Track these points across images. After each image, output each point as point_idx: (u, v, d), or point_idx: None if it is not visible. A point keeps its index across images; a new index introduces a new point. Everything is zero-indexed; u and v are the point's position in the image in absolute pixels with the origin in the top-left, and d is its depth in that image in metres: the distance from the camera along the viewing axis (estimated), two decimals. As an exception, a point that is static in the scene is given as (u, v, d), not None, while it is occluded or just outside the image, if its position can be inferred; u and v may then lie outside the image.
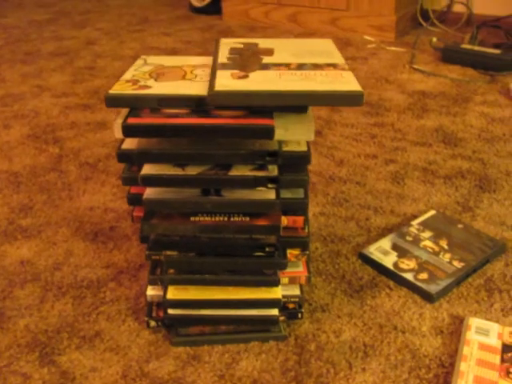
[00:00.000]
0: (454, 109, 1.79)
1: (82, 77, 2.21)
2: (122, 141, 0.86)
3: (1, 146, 1.61)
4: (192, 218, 0.83)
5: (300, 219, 0.87)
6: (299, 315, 0.94)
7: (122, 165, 1.48)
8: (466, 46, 2.19)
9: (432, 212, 1.20)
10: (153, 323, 0.92)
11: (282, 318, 0.92)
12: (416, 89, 1.98)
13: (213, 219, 0.83)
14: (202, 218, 0.83)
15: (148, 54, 2.47)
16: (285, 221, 0.86)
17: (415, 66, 2.17)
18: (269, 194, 0.82)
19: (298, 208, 0.86)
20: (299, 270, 0.92)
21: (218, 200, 0.81)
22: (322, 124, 1.70)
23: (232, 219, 0.83)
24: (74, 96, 2.01)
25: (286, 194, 0.85)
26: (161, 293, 0.90)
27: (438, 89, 1.97)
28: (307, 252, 0.89)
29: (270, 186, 0.81)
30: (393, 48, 2.43)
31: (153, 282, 0.90)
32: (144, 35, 2.76)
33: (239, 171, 0.81)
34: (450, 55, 2.19)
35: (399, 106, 1.83)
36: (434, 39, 2.40)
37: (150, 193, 0.82)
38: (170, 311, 0.89)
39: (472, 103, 1.83)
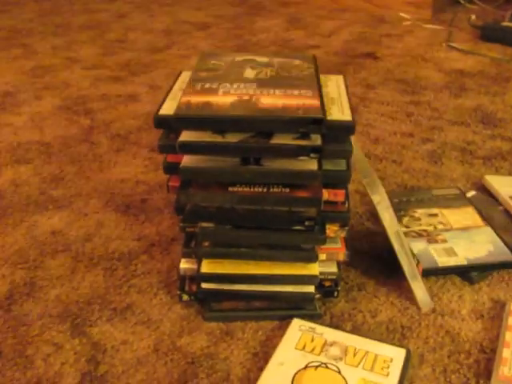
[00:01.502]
0: (493, 88, 1.74)
1: (113, 49, 2.19)
2: (160, 106, 0.83)
3: (32, 117, 1.60)
4: (230, 189, 0.81)
5: (341, 193, 0.84)
6: (335, 293, 0.91)
7: (153, 137, 1.46)
8: (506, 23, 2.12)
9: (472, 192, 1.16)
10: (185, 297, 0.90)
11: (317, 296, 0.90)
12: (453, 67, 1.92)
13: (251, 190, 0.80)
14: (240, 189, 0.81)
15: (179, 27, 2.44)
16: (325, 194, 0.83)
17: (453, 44, 2.11)
18: (311, 164, 0.79)
19: (339, 181, 0.83)
20: (337, 246, 0.89)
21: (257, 170, 0.79)
22: (357, 101, 1.66)
23: (271, 190, 0.80)
24: (104, 68, 1.99)
25: (327, 165, 0.82)
26: (194, 266, 0.88)
27: (477, 68, 1.91)
28: (347, 228, 0.87)
29: (312, 155, 0.78)
30: (429, 25, 2.36)
31: (187, 255, 0.88)
32: (175, 9, 2.73)
33: (281, 140, 0.78)
34: (490, 33, 2.13)
35: (436, 85, 1.78)
36: (473, 17, 2.33)
37: (187, 161, 0.80)
38: (204, 285, 0.87)
39: (512, 83, 1.77)
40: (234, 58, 0.94)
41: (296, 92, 0.82)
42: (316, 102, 0.79)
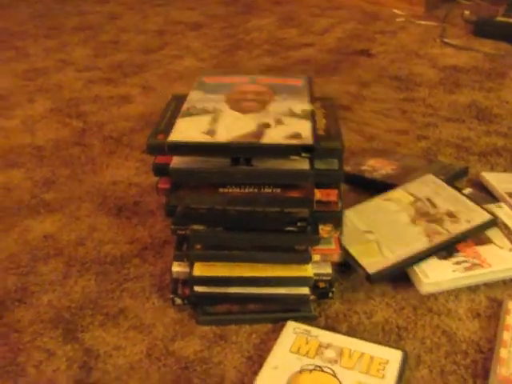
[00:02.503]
0: (487, 84, 1.73)
1: (105, 51, 2.17)
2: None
3: (24, 120, 1.59)
4: (221, 190, 0.80)
5: (334, 192, 0.83)
6: (330, 294, 0.90)
7: (145, 139, 1.44)
8: (500, 18, 2.11)
9: (468, 189, 1.15)
10: (178, 301, 0.89)
11: (312, 298, 0.89)
12: (447, 63, 1.91)
13: (242, 191, 0.79)
14: (231, 190, 0.80)
15: (172, 27, 2.42)
16: (317, 194, 0.82)
17: (446, 40, 2.10)
18: (302, 163, 0.78)
19: (331, 180, 0.82)
20: (331, 247, 0.88)
21: (248, 170, 0.78)
22: (351, 99, 1.65)
23: (263, 191, 0.79)
24: (97, 70, 1.97)
25: (319, 165, 0.81)
26: (187, 269, 0.87)
27: (471, 63, 1.90)
28: (340, 228, 0.86)
29: (303, 154, 0.77)
30: (422, 22, 2.35)
31: (178, 258, 0.87)
32: (168, 9, 2.71)
33: (272, 139, 0.77)
34: (484, 28, 2.12)
35: (430, 81, 1.76)
36: (467, 12, 2.32)
37: (177, 162, 0.79)
38: (197, 288, 0.86)
39: (507, 79, 1.76)
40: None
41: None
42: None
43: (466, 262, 0.94)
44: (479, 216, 0.98)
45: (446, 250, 0.95)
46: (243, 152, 0.78)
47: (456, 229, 0.97)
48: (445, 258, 0.95)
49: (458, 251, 0.96)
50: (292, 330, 0.83)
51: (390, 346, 0.81)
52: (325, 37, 2.25)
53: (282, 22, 2.46)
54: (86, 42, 2.28)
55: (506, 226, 1.01)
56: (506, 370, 0.77)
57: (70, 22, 2.56)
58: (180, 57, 2.08)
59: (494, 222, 0.98)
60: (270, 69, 1.92)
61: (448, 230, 0.97)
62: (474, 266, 0.93)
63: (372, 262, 0.93)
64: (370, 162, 1.25)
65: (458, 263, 0.94)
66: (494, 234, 1.00)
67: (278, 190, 0.79)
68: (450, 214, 0.99)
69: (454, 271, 0.92)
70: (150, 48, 2.19)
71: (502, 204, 1.08)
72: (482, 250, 0.97)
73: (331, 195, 0.83)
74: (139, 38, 2.30)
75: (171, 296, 0.89)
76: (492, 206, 1.06)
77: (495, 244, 0.98)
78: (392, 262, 0.92)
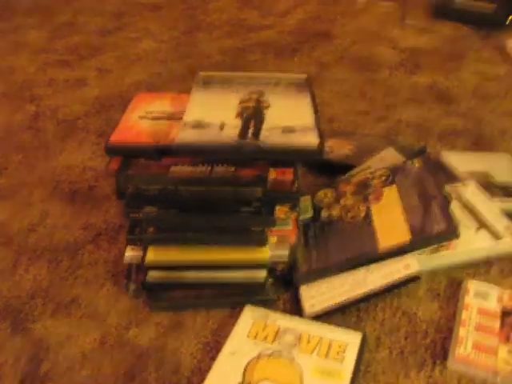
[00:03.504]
0: (447, 65, 1.73)
1: (61, 33, 2.11)
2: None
3: (-26, 104, 1.53)
4: (172, 169, 0.77)
5: (289, 171, 0.81)
6: (288, 277, 0.88)
7: (101, 122, 1.41)
8: (459, 1, 2.11)
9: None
10: (132, 287, 0.87)
11: (270, 281, 0.87)
12: (408, 45, 1.90)
13: (194, 170, 0.77)
14: (183, 168, 0.77)
15: (130, 9, 2.36)
16: (273, 173, 0.80)
17: (407, 22, 2.09)
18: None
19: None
20: (288, 228, 0.86)
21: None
22: (312, 80, 1.63)
23: (215, 169, 0.77)
24: (52, 52, 1.91)
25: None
26: (140, 254, 0.84)
27: (431, 45, 1.89)
28: (297, 209, 0.84)
29: None
30: (383, 3, 2.34)
31: (131, 242, 0.84)
32: (126, -10, 2.65)
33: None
34: (443, 11, 2.11)
35: (391, 62, 1.75)
36: (427, -6, 2.31)
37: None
38: (151, 274, 0.84)
39: (466, 60, 1.76)
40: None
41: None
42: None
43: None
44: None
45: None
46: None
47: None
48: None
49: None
50: (250, 315, 0.82)
51: (350, 329, 0.80)
52: (286, 18, 2.22)
53: (242, 3, 2.42)
54: (41, 23, 2.21)
55: (473, 206, 1.00)
56: (465, 349, 0.77)
57: (23, 2, 2.48)
58: (138, 39, 2.03)
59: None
60: (231, 50, 1.89)
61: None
62: (440, 247, 0.92)
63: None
64: (328, 143, 1.23)
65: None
66: (461, 214, 0.98)
67: (232, 169, 0.77)
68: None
69: (419, 253, 0.91)
70: (107, 30, 2.13)
71: (468, 182, 1.06)
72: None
73: (287, 174, 0.81)
74: (96, 20, 2.24)
75: (125, 282, 0.87)
76: (458, 185, 1.05)
77: (462, 224, 0.96)
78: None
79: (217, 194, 0.78)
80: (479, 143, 1.28)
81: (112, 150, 0.81)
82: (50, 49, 1.95)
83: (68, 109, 1.49)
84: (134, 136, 0.81)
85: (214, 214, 0.80)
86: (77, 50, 1.93)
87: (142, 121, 0.86)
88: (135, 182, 0.77)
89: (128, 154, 0.81)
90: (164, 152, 0.78)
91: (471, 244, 0.93)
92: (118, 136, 0.82)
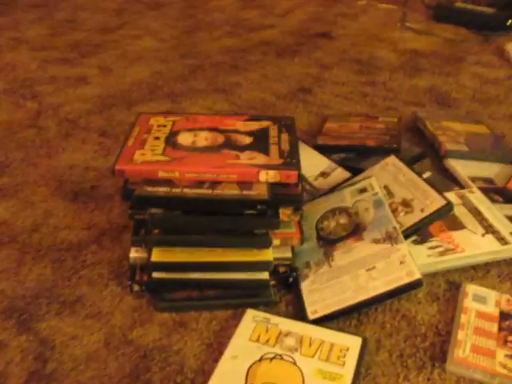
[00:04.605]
0: (447, 69, 1.74)
1: (62, 30, 2.11)
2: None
3: (-25, 101, 1.53)
4: None
5: (294, 174, 0.82)
6: (290, 280, 0.89)
7: (103, 121, 1.42)
8: (459, 4, 2.13)
9: (427, 173, 1.16)
10: (136, 287, 0.87)
11: (272, 283, 0.88)
12: (408, 47, 1.92)
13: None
14: None
15: (131, 6, 2.37)
16: (277, 176, 0.81)
17: (407, 24, 2.11)
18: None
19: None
20: (291, 230, 0.87)
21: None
22: (312, 81, 1.64)
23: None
24: (53, 49, 1.92)
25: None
26: (145, 255, 0.85)
27: (431, 48, 1.91)
28: (301, 211, 0.85)
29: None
30: (384, 5, 2.35)
31: (136, 244, 0.85)
32: (126, -13, 2.65)
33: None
34: (443, 14, 2.13)
35: (391, 65, 1.77)
36: (427, -4, 2.33)
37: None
38: (155, 274, 0.85)
39: (465, 63, 1.78)
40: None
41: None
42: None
43: (440, 246, 0.95)
44: (434, 203, 0.97)
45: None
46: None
47: (409, 221, 0.96)
48: (420, 242, 0.95)
49: (432, 236, 0.96)
50: (251, 318, 0.82)
51: (350, 333, 0.81)
52: (286, 18, 2.23)
53: (243, 2, 2.43)
54: (41, 20, 2.22)
55: (479, 212, 1.02)
56: (463, 352, 0.78)
57: (23, -2, 2.48)
58: (139, 37, 2.04)
59: (449, 208, 0.96)
60: (231, 50, 1.89)
61: (401, 223, 0.96)
62: (447, 251, 0.94)
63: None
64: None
65: (432, 248, 0.94)
66: (466, 219, 1.00)
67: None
68: (405, 204, 0.99)
69: (428, 256, 0.93)
70: (107, 27, 2.14)
71: (475, 189, 1.08)
72: (456, 235, 0.97)
73: (291, 177, 0.82)
74: (97, 17, 2.25)
75: (129, 283, 0.88)
76: (464, 191, 1.07)
77: (468, 229, 0.98)
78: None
79: (222, 197, 0.79)
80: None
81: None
82: (50, 46, 1.95)
83: (70, 107, 1.50)
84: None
85: (219, 216, 0.81)
86: (77, 48, 1.93)
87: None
88: (141, 185, 0.78)
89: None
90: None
91: (478, 249, 0.95)
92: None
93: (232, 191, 0.81)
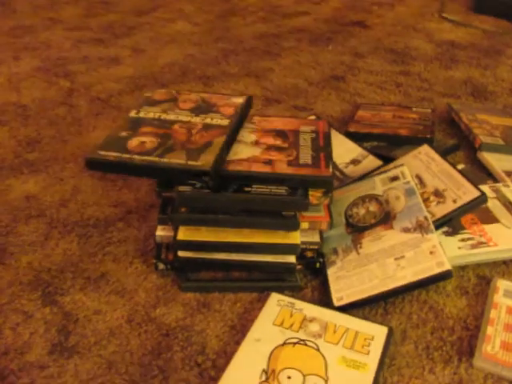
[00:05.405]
0: (484, 61, 1.70)
1: (96, 11, 2.12)
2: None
3: (10, 78, 1.54)
4: None
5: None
6: (317, 265, 0.88)
7: (134, 101, 1.41)
8: (500, -5, 2.07)
9: (462, 165, 1.13)
10: (161, 266, 0.87)
11: (298, 267, 0.87)
12: (444, 38, 1.88)
13: None
14: None
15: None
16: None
17: (444, 15, 2.06)
18: None
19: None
20: (321, 214, 0.86)
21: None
22: (345, 69, 1.62)
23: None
24: (87, 30, 1.93)
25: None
26: (171, 233, 0.85)
27: (468, 40, 1.87)
28: (330, 195, 0.83)
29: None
30: (421, -5, 2.31)
31: (163, 222, 0.85)
32: (162, -29, 2.65)
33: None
34: (483, 5, 2.08)
35: (426, 56, 1.73)
36: (466, -12, 2.28)
37: None
38: (181, 253, 0.84)
39: (504, 56, 1.74)
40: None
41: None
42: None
43: (472, 239, 0.92)
44: (467, 194, 0.95)
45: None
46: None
47: (441, 211, 0.94)
48: (451, 234, 0.93)
49: (464, 228, 0.94)
50: (276, 302, 0.81)
51: (376, 322, 0.80)
52: (321, 6, 2.20)
53: (278, -11, 2.41)
54: (76, 0, 2.22)
55: (514, 206, 0.99)
56: (492, 347, 0.76)
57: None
58: (172, 20, 2.03)
59: (483, 200, 0.94)
60: (264, 35, 1.88)
61: (432, 213, 0.94)
62: (480, 243, 0.91)
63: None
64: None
65: (463, 240, 0.92)
66: (500, 213, 0.98)
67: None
68: (437, 194, 0.97)
69: (459, 248, 0.90)
70: (141, 10, 2.14)
71: (509, 183, 1.06)
72: (488, 228, 0.95)
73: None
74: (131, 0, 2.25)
75: (154, 261, 0.87)
76: (499, 185, 1.04)
77: (502, 223, 0.96)
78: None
79: (167, 164, 0.79)
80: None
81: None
82: (84, 26, 1.96)
83: (101, 86, 1.50)
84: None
85: (247, 195, 0.80)
86: (111, 29, 1.94)
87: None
88: (95, 148, 0.80)
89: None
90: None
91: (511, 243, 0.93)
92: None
93: (178, 160, 0.79)
